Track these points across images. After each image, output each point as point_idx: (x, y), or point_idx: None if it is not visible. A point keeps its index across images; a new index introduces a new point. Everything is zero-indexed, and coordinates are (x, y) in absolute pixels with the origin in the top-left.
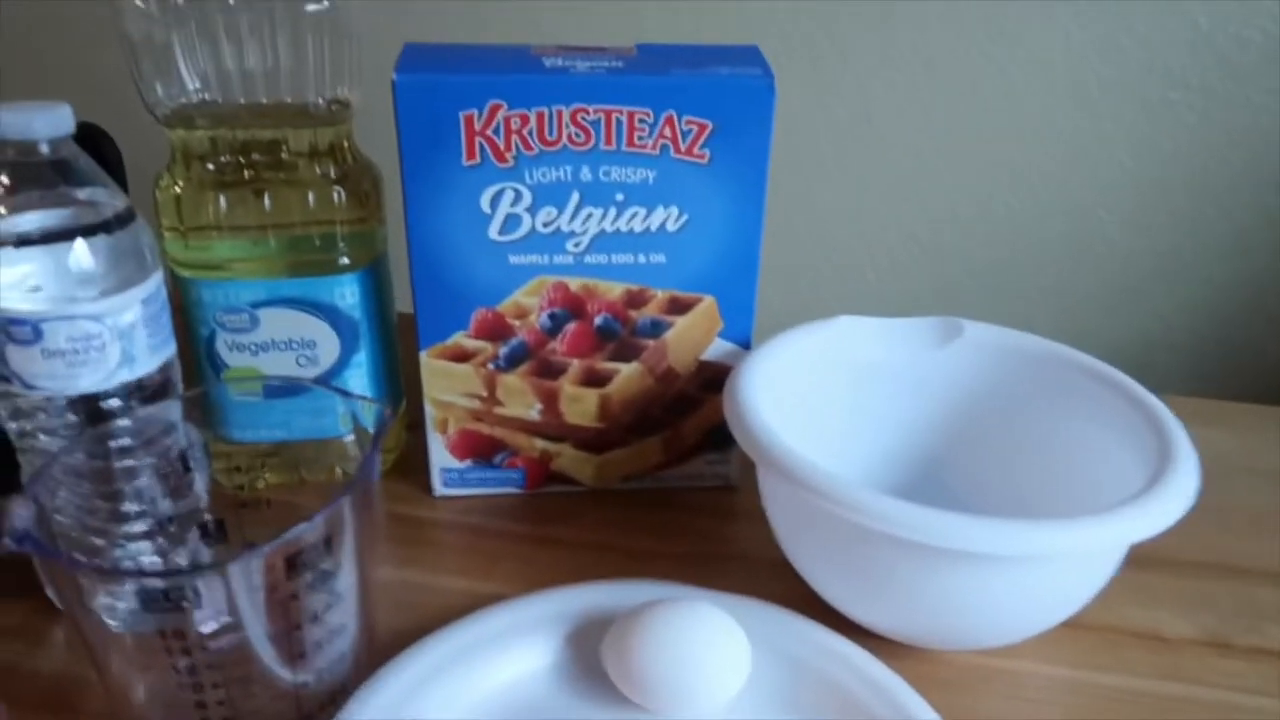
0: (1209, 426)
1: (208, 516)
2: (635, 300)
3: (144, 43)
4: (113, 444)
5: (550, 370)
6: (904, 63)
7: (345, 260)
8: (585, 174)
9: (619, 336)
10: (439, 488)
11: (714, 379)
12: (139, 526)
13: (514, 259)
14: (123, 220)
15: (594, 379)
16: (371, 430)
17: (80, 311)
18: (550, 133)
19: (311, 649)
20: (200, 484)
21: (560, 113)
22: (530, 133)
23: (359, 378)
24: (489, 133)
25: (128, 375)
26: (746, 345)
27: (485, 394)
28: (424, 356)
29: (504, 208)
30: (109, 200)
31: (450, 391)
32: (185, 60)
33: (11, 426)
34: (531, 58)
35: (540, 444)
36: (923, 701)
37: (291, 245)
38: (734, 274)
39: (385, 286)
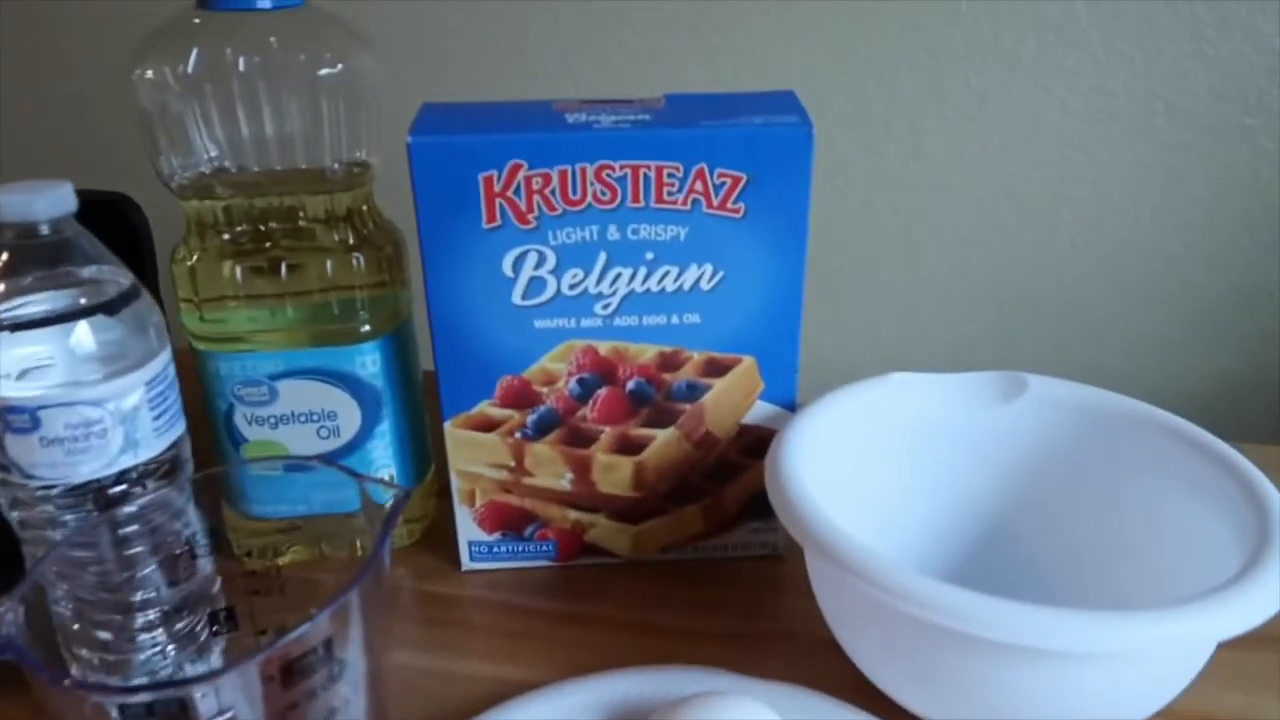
0: None
1: (219, 604)
2: (669, 363)
3: (156, 114)
4: (116, 533)
5: (581, 438)
6: (956, 97)
7: (366, 327)
8: (612, 233)
9: (653, 401)
10: (467, 562)
11: (756, 443)
12: (146, 617)
13: (539, 324)
14: (127, 298)
15: (628, 446)
16: (386, 509)
17: (80, 397)
18: (574, 192)
19: None
20: (209, 569)
21: (584, 170)
22: (553, 192)
23: (383, 448)
24: (509, 194)
25: (131, 460)
26: (791, 407)
27: (513, 464)
28: (448, 427)
29: (527, 271)
30: (113, 278)
31: (477, 462)
32: (197, 130)
33: (13, 516)
34: (554, 114)
35: (573, 515)
36: None
37: (310, 314)
38: (774, 332)
39: (409, 351)
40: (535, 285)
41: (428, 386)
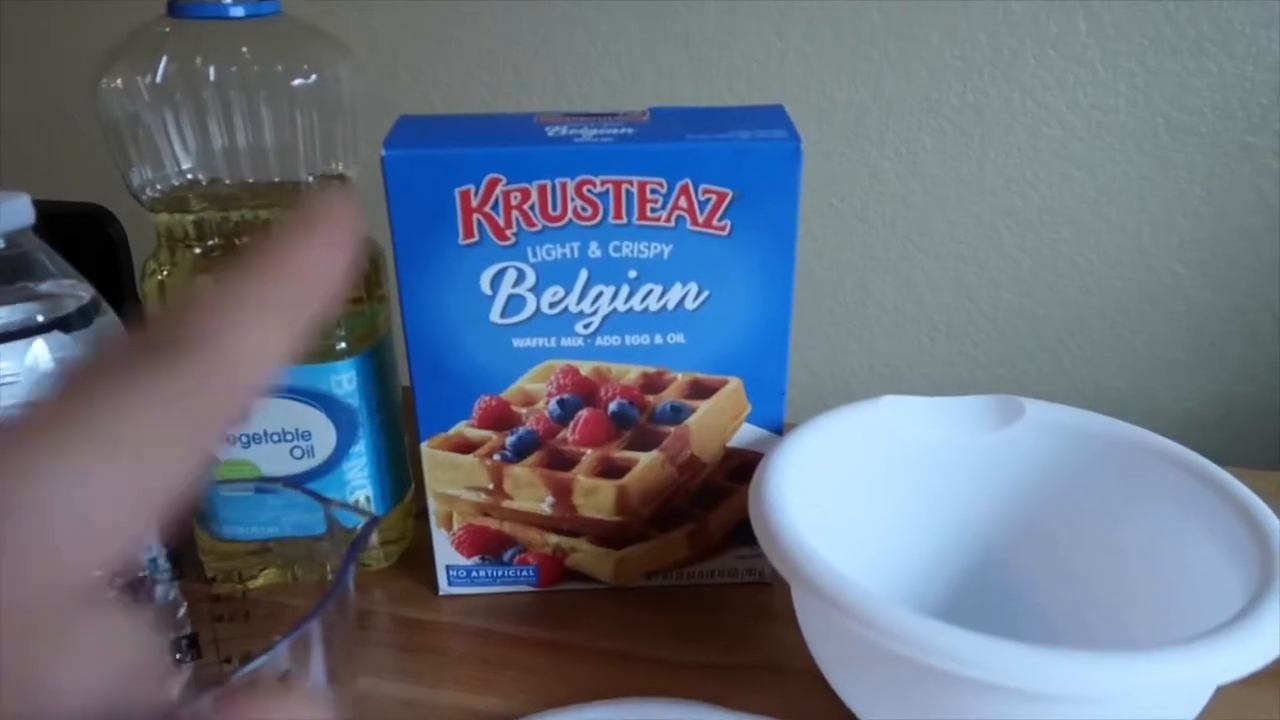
0: None
1: (184, 631)
2: (653, 384)
3: (125, 124)
4: None
5: (562, 461)
6: (953, 113)
7: (342, 345)
8: (594, 250)
9: (636, 423)
10: (444, 586)
11: (743, 467)
12: None
13: (518, 343)
14: (86, 315)
15: (610, 469)
16: (355, 534)
17: None
18: (554, 207)
19: None
20: (171, 594)
21: (564, 185)
22: (532, 208)
23: (359, 469)
24: (487, 209)
25: None
26: (779, 430)
27: (492, 487)
28: (425, 448)
29: (506, 288)
30: (72, 293)
31: (454, 484)
32: (167, 141)
33: None
34: (534, 127)
35: (554, 539)
36: None
37: None
38: (762, 353)
39: (387, 370)
40: (514, 303)
41: (407, 404)
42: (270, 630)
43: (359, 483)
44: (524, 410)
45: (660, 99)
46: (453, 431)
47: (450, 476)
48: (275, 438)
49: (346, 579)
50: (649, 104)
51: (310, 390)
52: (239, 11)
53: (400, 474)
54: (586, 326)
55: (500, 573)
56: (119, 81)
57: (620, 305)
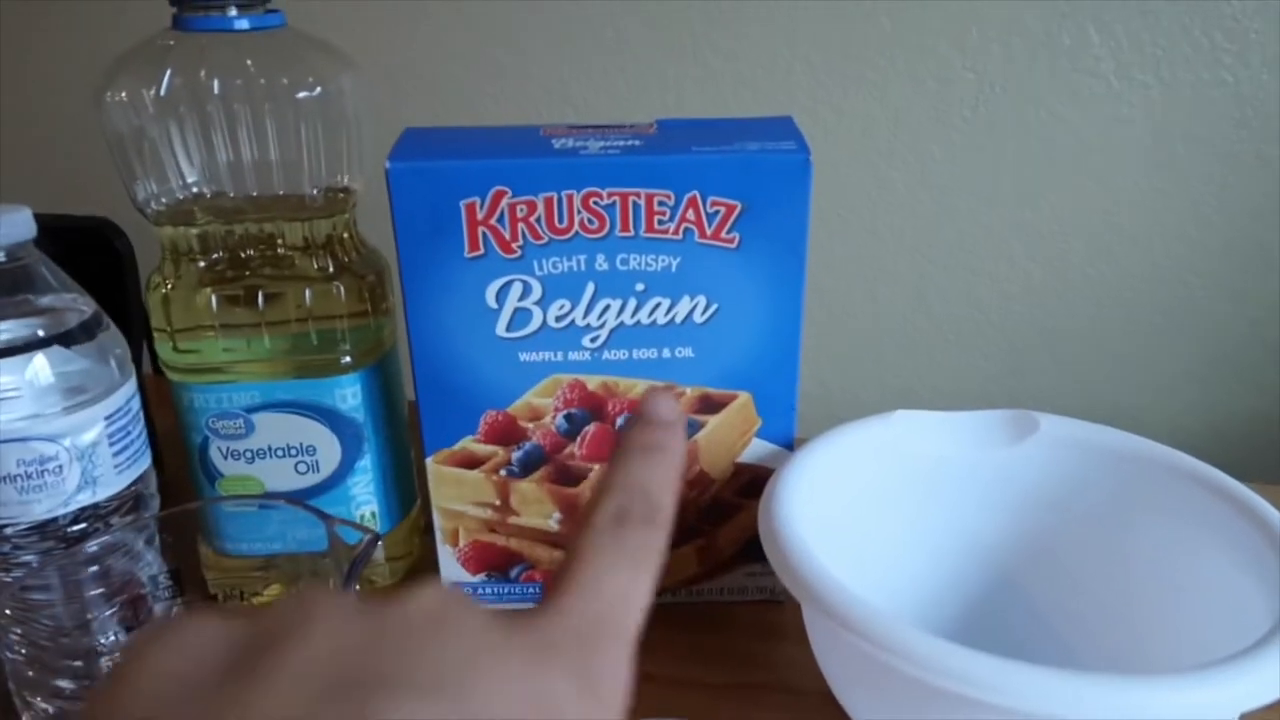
0: None
1: None
2: None
3: (129, 137)
4: (71, 574)
5: (569, 476)
6: (965, 125)
7: (347, 359)
8: (601, 263)
9: None
10: None
11: (753, 483)
12: (107, 663)
13: (524, 357)
14: (88, 329)
15: None
16: (356, 551)
17: (34, 432)
18: (560, 220)
19: None
20: (173, 612)
21: (570, 197)
22: (538, 220)
23: (364, 484)
24: (493, 222)
25: (89, 499)
26: (789, 445)
27: (498, 503)
28: (430, 463)
29: (511, 302)
30: (73, 307)
31: (460, 500)
32: (171, 154)
33: None
34: (540, 139)
35: (561, 556)
36: None
37: (288, 345)
38: (772, 367)
39: (393, 384)
40: (520, 317)
41: (412, 419)
42: None
43: (364, 498)
44: (530, 425)
45: (667, 111)
46: (458, 446)
47: (456, 492)
48: (280, 453)
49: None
50: (656, 116)
51: (314, 405)
52: (243, 24)
53: (406, 489)
54: (594, 340)
55: (507, 590)
56: (123, 94)
57: (628, 319)
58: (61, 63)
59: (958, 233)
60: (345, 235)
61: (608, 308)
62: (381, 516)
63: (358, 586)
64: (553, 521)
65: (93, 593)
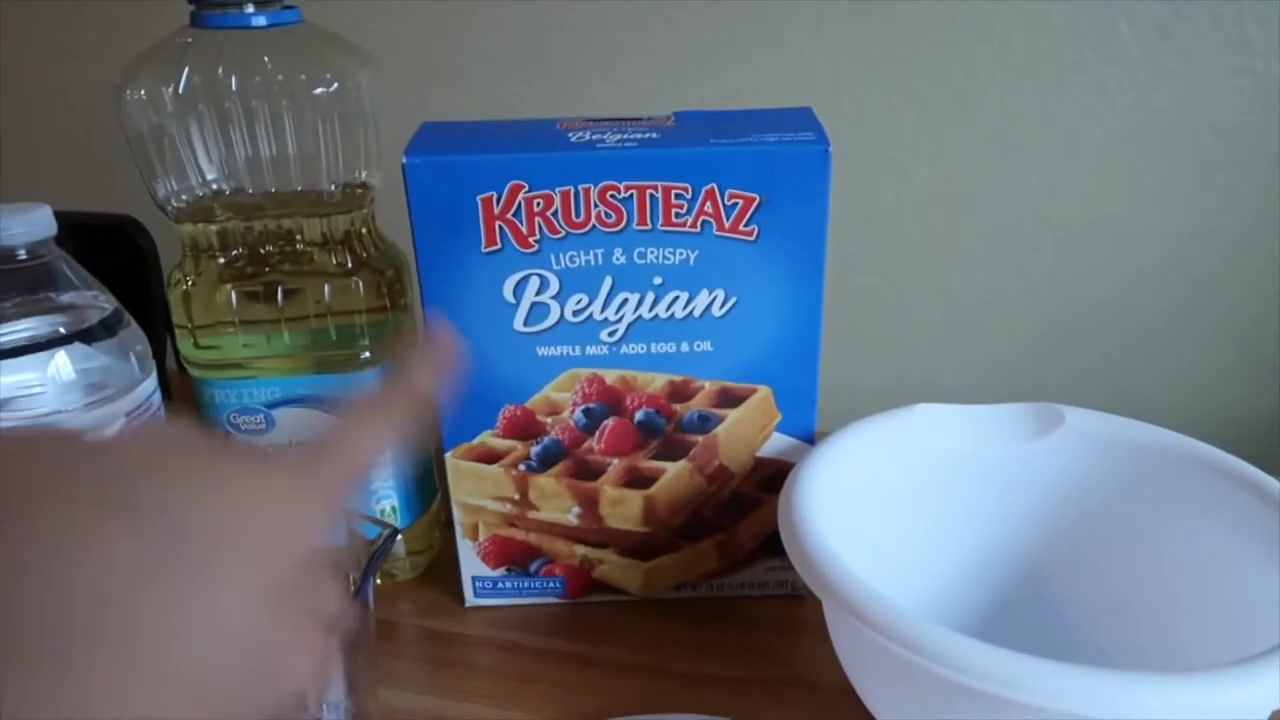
0: None
1: None
2: (680, 393)
3: (149, 135)
4: None
5: (588, 471)
6: (989, 116)
7: (367, 354)
8: (618, 256)
9: (663, 433)
10: (470, 598)
11: (773, 477)
12: None
13: (542, 351)
14: (109, 326)
15: (637, 479)
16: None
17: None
18: (577, 213)
19: None
20: None
21: (587, 191)
22: (555, 214)
23: (384, 480)
24: (509, 216)
25: None
26: (809, 439)
27: (517, 497)
28: (449, 458)
29: (529, 296)
30: (94, 304)
31: (479, 495)
32: (190, 151)
33: None
34: (557, 133)
35: (580, 550)
36: None
37: (308, 341)
38: (791, 361)
39: None
40: (537, 311)
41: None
42: None
43: (384, 492)
44: (549, 420)
45: (685, 105)
46: (477, 441)
47: (475, 487)
48: None
49: (366, 591)
50: (672, 109)
51: (334, 400)
52: (261, 21)
53: (426, 484)
54: (611, 334)
55: (527, 584)
56: (142, 92)
57: (645, 312)
58: (86, 62)
59: (980, 224)
60: (364, 231)
61: (625, 301)
62: (401, 511)
63: (378, 581)
64: (572, 516)
65: None
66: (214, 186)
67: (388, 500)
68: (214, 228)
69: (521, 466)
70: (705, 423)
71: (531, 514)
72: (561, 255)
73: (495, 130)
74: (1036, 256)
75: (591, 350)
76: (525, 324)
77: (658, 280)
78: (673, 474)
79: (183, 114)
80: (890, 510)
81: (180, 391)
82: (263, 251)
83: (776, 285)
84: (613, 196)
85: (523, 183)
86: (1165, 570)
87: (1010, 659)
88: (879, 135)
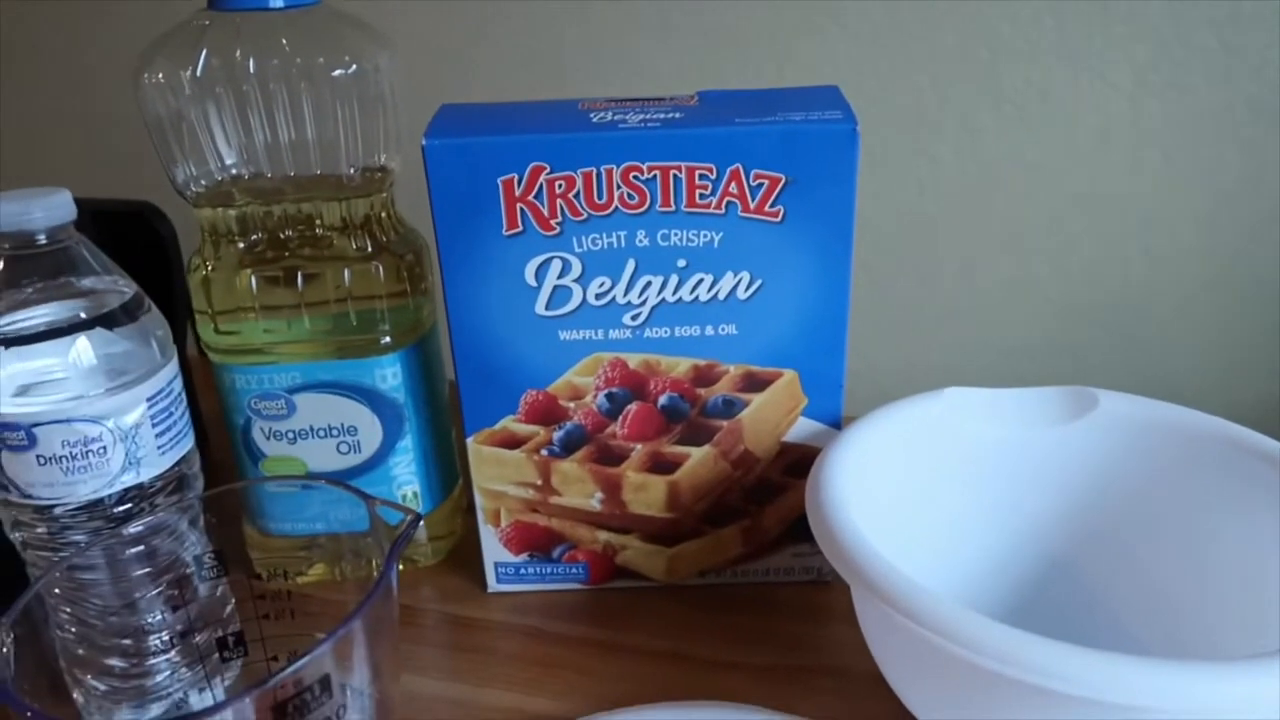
0: None
1: (231, 628)
2: (704, 377)
3: (168, 119)
4: (119, 555)
5: (611, 456)
6: (1017, 95)
7: (387, 339)
8: (641, 239)
9: (687, 417)
10: (493, 584)
11: (799, 462)
12: (154, 642)
13: (564, 335)
14: (130, 311)
15: (661, 465)
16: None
17: (77, 414)
18: (599, 195)
19: None
20: (218, 591)
21: (610, 172)
22: (577, 196)
23: (406, 464)
24: (531, 198)
25: (134, 479)
26: (836, 424)
27: (540, 483)
28: (471, 443)
29: (551, 280)
30: (115, 289)
31: (501, 480)
32: (209, 135)
33: (15, 537)
34: (578, 113)
35: (604, 536)
36: None
37: (328, 325)
38: (818, 344)
39: (433, 364)
40: (559, 295)
41: (453, 399)
42: (315, 627)
43: (406, 478)
44: (571, 404)
45: (708, 86)
46: (499, 426)
47: (497, 472)
48: (322, 433)
49: (390, 577)
50: (693, 90)
51: (355, 385)
52: (278, 2)
53: (448, 469)
54: (635, 318)
55: (549, 570)
56: (160, 76)
57: (669, 296)
58: (106, 49)
59: (1009, 206)
60: (383, 215)
61: (649, 284)
62: (423, 496)
63: (400, 567)
64: (594, 501)
65: (139, 572)
66: (233, 171)
67: (409, 486)
68: (233, 212)
69: (544, 452)
70: (730, 407)
71: (554, 499)
72: (584, 238)
73: (515, 111)
74: (1065, 238)
75: (614, 334)
76: (547, 308)
77: (681, 263)
78: (697, 459)
79: (201, 97)
80: (919, 495)
81: (201, 377)
82: (282, 236)
83: (803, 267)
84: (635, 178)
85: (544, 164)
86: (1202, 556)
87: (1044, 646)
88: (904, 116)
